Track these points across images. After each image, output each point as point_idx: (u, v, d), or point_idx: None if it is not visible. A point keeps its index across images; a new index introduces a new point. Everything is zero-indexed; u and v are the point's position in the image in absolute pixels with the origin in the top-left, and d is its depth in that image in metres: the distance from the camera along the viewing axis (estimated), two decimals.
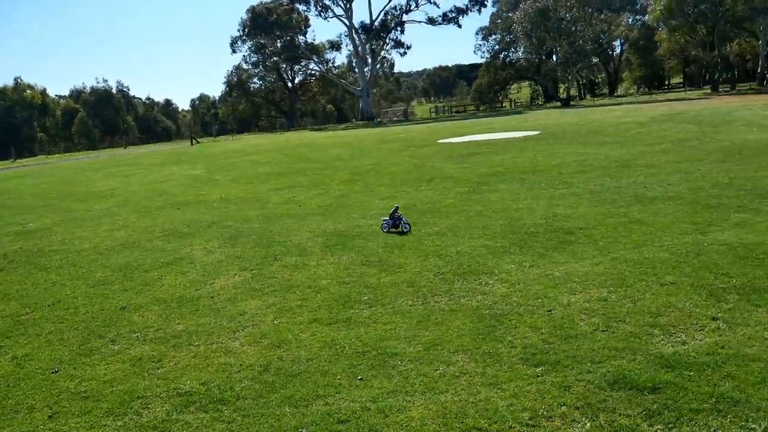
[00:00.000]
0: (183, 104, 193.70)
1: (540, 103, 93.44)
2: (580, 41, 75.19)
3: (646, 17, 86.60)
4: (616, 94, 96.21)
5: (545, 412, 5.34)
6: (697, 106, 41.56)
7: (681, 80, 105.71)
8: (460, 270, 9.40)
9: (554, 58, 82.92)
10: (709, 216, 11.44)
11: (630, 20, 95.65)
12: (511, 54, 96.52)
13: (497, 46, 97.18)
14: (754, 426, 4.88)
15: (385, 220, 12.45)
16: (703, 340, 6.38)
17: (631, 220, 11.60)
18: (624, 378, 5.73)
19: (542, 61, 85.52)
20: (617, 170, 17.51)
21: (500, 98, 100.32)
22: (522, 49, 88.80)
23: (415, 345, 6.86)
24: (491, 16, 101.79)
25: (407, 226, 12.18)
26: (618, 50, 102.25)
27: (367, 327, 7.49)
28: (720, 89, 68.05)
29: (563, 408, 5.38)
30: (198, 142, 66.41)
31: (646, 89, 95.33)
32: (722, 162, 17.35)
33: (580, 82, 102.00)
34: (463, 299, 8.14)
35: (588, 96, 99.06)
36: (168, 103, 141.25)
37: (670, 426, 4.99)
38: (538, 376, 5.94)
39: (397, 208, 12.41)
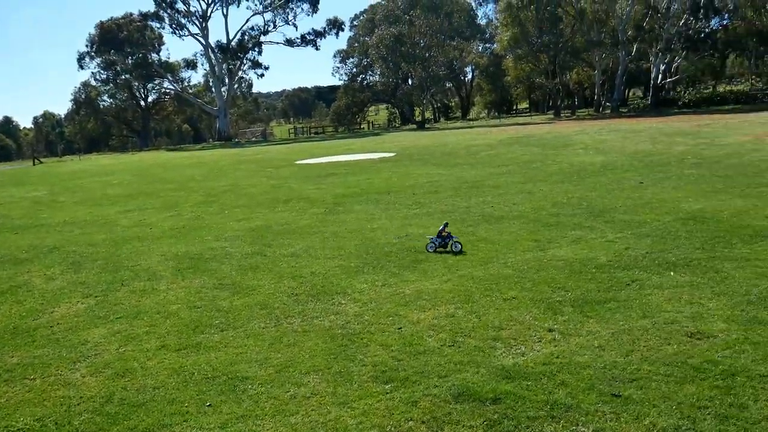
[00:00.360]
0: (25, 122, 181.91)
1: (397, 125, 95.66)
2: (434, 67, 77.89)
3: (495, 46, 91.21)
4: (468, 117, 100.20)
5: (393, 428, 5.46)
6: (542, 130, 44.13)
7: (527, 105, 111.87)
8: (314, 291, 9.44)
9: (410, 82, 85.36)
10: (549, 234, 12.17)
11: (480, 48, 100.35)
12: (368, 77, 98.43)
13: (355, 69, 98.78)
14: (583, 429, 5.23)
15: (432, 239, 11.41)
16: (540, 351, 6.77)
17: (479, 239, 12.13)
18: (468, 390, 5.98)
19: (398, 84, 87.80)
20: (467, 191, 18.26)
21: (358, 120, 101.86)
22: (379, 73, 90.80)
23: (267, 368, 6.81)
24: (348, 39, 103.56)
25: (457, 245, 11.15)
26: (470, 76, 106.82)
27: (218, 351, 7.35)
28: (562, 115, 72.58)
29: (410, 423, 5.53)
30: (41, 162, 62.51)
31: (496, 113, 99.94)
32: (562, 183, 18.53)
33: (435, 106, 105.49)
34: (316, 320, 8.18)
35: (442, 119, 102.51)
36: (7, 120, 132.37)
37: None
38: (387, 393, 6.07)
39: (446, 225, 11.47)
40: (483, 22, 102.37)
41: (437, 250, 11.24)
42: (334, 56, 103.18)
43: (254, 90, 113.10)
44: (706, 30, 67.17)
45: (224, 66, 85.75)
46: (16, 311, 9.58)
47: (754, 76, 71.09)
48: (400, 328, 7.69)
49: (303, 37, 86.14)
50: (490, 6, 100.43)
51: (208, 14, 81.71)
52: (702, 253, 10.13)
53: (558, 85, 75.97)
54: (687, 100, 63.60)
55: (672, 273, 9.16)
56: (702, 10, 62.47)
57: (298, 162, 33.96)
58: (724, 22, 69.11)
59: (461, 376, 6.28)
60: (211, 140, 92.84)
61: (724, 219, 12.38)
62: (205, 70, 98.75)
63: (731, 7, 65.75)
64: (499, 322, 7.64)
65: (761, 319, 7.19)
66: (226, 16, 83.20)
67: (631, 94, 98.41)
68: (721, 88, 75.89)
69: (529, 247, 11.19)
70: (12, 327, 8.85)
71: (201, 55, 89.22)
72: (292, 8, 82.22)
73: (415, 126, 78.23)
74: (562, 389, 5.89)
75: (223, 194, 21.70)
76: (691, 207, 13.75)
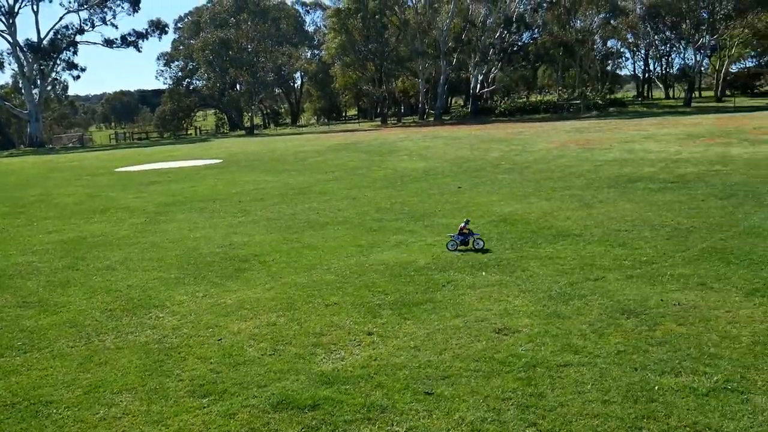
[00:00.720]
0: None
1: (225, 131, 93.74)
2: (262, 72, 77.21)
3: (323, 53, 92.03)
4: (298, 123, 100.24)
5: None
6: (369, 136, 45.11)
7: (356, 112, 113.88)
8: (130, 305, 9.04)
9: (238, 87, 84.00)
10: (372, 238, 12.46)
11: (309, 54, 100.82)
12: (194, 81, 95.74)
13: (180, 73, 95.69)
14: (398, 429, 5.40)
15: (453, 236, 11.15)
16: (359, 355, 6.91)
17: (304, 246, 12.17)
18: (287, 399, 5.98)
19: (225, 89, 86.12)
20: (294, 197, 18.28)
21: (185, 126, 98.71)
22: (205, 77, 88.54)
23: (74, 390, 6.42)
24: (173, 42, 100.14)
25: (479, 242, 11.04)
26: (299, 82, 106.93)
27: (19, 375, 6.83)
28: (388, 122, 74.55)
29: None
30: None
31: (326, 120, 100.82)
32: (386, 188, 19.05)
33: (265, 112, 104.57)
34: (131, 335, 7.83)
35: (272, 125, 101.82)
36: None
37: None
38: (204, 408, 5.93)
39: (467, 222, 11.25)
40: (311, 29, 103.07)
41: (458, 248, 11.05)
42: (158, 59, 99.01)
43: (70, 93, 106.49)
44: (519, 43, 71.92)
45: (35, 66, 79.81)
46: None
47: (561, 88, 76.85)
48: (220, 339, 7.55)
49: (123, 37, 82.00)
50: (318, 13, 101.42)
51: (16, 10, 75.72)
52: (511, 253, 10.80)
53: (384, 93, 77.96)
54: (503, 109, 67.64)
55: (484, 273, 9.69)
56: (514, 25, 66.73)
57: (118, 170, 32.34)
58: (535, 36, 74.32)
59: (281, 385, 6.27)
60: (22, 146, 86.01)
61: (532, 221, 13.29)
62: (13, 70, 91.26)
63: (540, 23, 70.86)
64: (320, 329, 7.71)
65: (560, 313, 7.79)
66: (36, 13, 77.89)
67: (453, 102, 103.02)
68: (533, 98, 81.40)
69: (352, 253, 11.39)
70: None
71: (8, 54, 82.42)
72: (111, 7, 78.00)
73: (244, 132, 77.11)
74: (378, 391, 6.05)
75: (33, 205, 20.19)
76: (503, 210, 14.63)
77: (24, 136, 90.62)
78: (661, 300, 8.06)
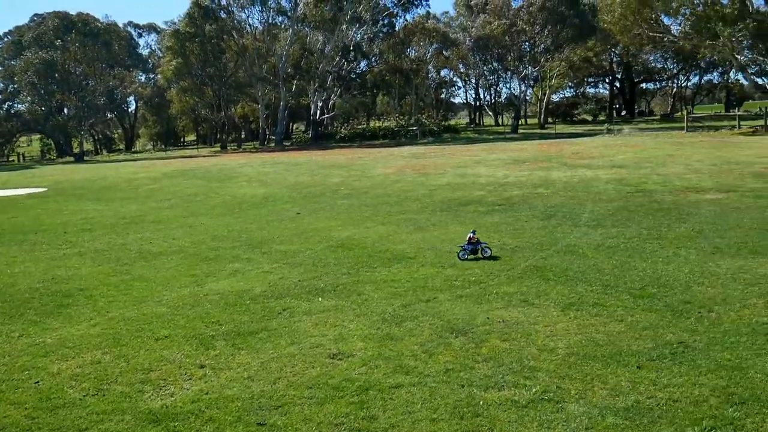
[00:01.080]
0: None
1: (52, 157, 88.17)
2: (92, 96, 73.57)
3: (158, 77, 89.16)
4: (133, 149, 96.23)
5: None
6: (208, 162, 44.10)
7: (195, 138, 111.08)
8: None
9: (66, 111, 79.38)
10: (208, 267, 12.16)
11: (143, 78, 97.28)
12: (16, 105, 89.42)
13: (0, 96, 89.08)
14: None
15: (463, 246, 11.80)
16: (190, 389, 6.69)
17: (134, 277, 11.66)
18: None
19: (51, 113, 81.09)
20: (125, 227, 17.48)
21: (6, 152, 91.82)
22: (28, 101, 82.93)
23: None
24: None
25: (487, 250, 11.78)
26: (133, 107, 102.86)
27: None
28: (228, 148, 73.34)
29: None
30: None
31: (163, 146, 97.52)
32: (224, 216, 18.69)
33: (96, 137, 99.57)
34: None
35: (104, 151, 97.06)
36: None
37: None
38: None
39: (474, 232, 11.94)
40: (145, 52, 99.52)
41: (468, 257, 11.66)
42: None
43: None
44: (357, 71, 73.50)
45: None
46: None
47: (399, 115, 79.26)
48: (38, 381, 7.04)
49: None
50: (152, 36, 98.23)
51: None
52: (348, 277, 10.93)
53: (223, 119, 76.74)
54: (344, 135, 68.56)
55: (320, 299, 9.73)
56: (352, 53, 68.12)
57: None
58: (372, 65, 76.26)
59: (103, 427, 5.94)
60: None
61: (368, 245, 13.54)
62: None
63: (377, 51, 72.85)
64: (149, 364, 7.40)
65: (393, 335, 7.96)
66: None
67: (294, 128, 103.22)
68: (372, 124, 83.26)
69: (186, 283, 11.05)
70: None
71: None
72: None
73: (72, 159, 72.86)
74: (209, 425, 5.88)
75: None
76: (341, 235, 14.80)
77: None
78: (488, 318, 8.45)
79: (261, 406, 6.20)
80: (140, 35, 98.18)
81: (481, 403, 6.07)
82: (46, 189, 31.27)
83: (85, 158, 72.77)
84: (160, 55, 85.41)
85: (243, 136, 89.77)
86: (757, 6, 43.29)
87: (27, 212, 22.13)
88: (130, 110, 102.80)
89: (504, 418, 5.76)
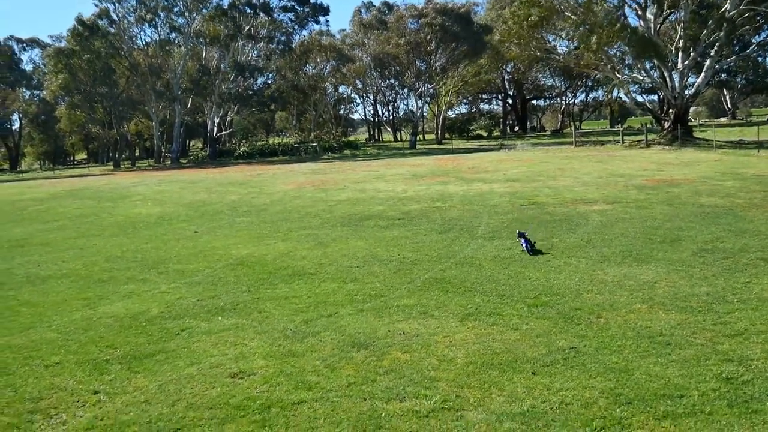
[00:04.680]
0: None
1: None
2: None
3: (44, 93, 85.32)
4: (18, 169, 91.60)
5: None
6: (100, 182, 42.52)
7: (86, 156, 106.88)
8: None
9: None
10: (101, 290, 11.73)
11: (28, 95, 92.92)
12: None
13: None
14: None
15: (522, 243, 13.11)
16: (83, 416, 6.44)
17: (21, 303, 11.11)
18: None
19: None
20: (9, 250, 16.62)
21: None
22: None
23: None
24: None
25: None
26: (17, 125, 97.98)
27: None
28: (122, 166, 70.99)
29: None
30: None
31: (51, 165, 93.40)
32: (117, 236, 18.07)
33: None
34: None
35: None
36: None
37: None
38: None
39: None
40: (29, 67, 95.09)
41: (529, 248, 12.88)
42: None
43: None
44: (254, 88, 72.88)
45: None
46: None
47: (298, 131, 79.06)
48: None
49: None
50: (36, 51, 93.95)
51: None
52: (248, 295, 10.80)
53: (116, 136, 74.28)
54: (242, 152, 67.70)
55: (220, 318, 9.58)
56: (247, 71, 67.54)
57: None
58: (269, 82, 75.87)
59: None
60: None
61: (269, 262, 13.43)
62: None
63: (274, 68, 72.55)
64: (39, 392, 7.07)
65: (295, 352, 7.93)
66: None
67: (191, 145, 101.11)
68: (272, 140, 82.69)
69: (77, 307, 10.62)
70: None
71: None
72: None
73: None
74: None
75: None
76: (240, 252, 14.61)
77: None
78: (389, 330, 8.56)
79: (159, 430, 6.05)
80: (23, 50, 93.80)
81: (383, 415, 6.14)
82: None
83: None
84: (45, 71, 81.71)
85: (137, 154, 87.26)
86: (635, 26, 45.89)
87: None
88: (13, 128, 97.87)
89: (405, 429, 5.85)
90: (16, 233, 20.00)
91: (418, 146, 70.48)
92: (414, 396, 6.50)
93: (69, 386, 7.22)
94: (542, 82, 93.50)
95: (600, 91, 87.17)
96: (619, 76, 50.79)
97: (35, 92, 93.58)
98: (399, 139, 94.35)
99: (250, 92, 71.18)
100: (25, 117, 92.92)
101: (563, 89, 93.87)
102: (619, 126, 71.91)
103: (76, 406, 6.70)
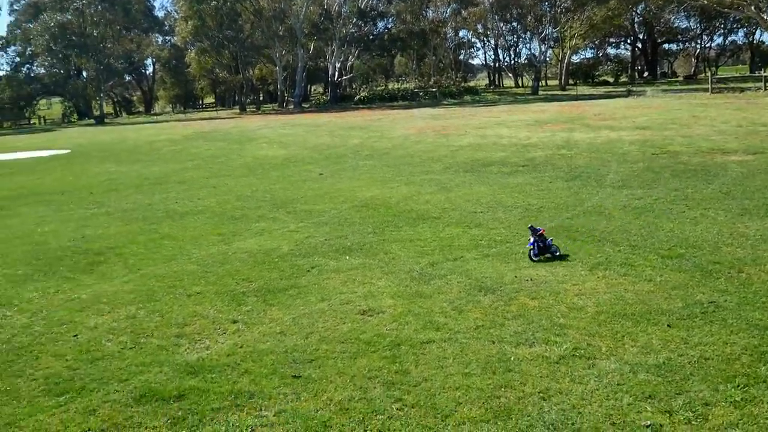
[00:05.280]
0: None
1: (73, 120, 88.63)
2: (110, 59, 73.63)
3: (175, 38, 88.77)
4: (152, 112, 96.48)
5: None
6: (227, 125, 44.18)
7: (214, 100, 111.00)
8: None
9: (84, 74, 79.58)
10: (234, 227, 12.27)
11: (160, 40, 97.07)
12: (35, 68, 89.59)
13: (18, 59, 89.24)
14: (266, 413, 5.39)
15: (531, 240, 9.15)
16: (224, 343, 6.82)
17: (162, 236, 11.81)
18: (150, 391, 5.81)
19: (70, 77, 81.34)
20: (150, 187, 17.64)
21: (27, 115, 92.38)
22: (46, 64, 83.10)
23: None
24: (9, 25, 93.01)
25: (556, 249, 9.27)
26: (151, 69, 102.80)
27: None
28: (247, 110, 73.30)
29: None
30: None
31: (182, 108, 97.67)
32: (246, 176, 18.78)
33: (115, 100, 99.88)
34: None
35: (124, 114, 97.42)
36: None
37: (193, 429, 5.22)
38: (61, 406, 5.65)
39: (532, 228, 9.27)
40: (161, 14, 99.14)
41: (540, 258, 9.18)
42: None
43: None
44: (375, 32, 72.83)
45: None
46: None
47: (417, 76, 78.65)
48: (76, 335, 7.21)
49: None
50: None
51: None
52: (374, 236, 10.99)
53: (242, 80, 76.56)
54: (362, 97, 68.23)
55: (347, 257, 9.81)
56: (369, 14, 67.46)
57: None
58: (389, 26, 75.54)
59: (143, 378, 6.08)
60: None
61: (393, 204, 13.58)
62: None
63: (394, 12, 72.09)
64: (183, 319, 7.54)
65: (422, 293, 8.03)
66: None
67: (312, 90, 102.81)
68: (391, 86, 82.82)
69: (213, 241, 11.17)
70: None
71: None
72: None
73: (93, 121, 73.21)
74: (245, 377, 6.00)
75: None
76: (365, 195, 14.84)
77: None
78: (515, 276, 8.50)
79: (295, 360, 6.32)
80: None
81: (512, 358, 6.14)
82: (69, 151, 31.53)
83: (105, 121, 73.10)
84: (176, 17, 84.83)
85: (261, 99, 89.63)
86: None
87: (52, 173, 22.36)
88: (148, 73, 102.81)
89: (536, 373, 5.83)
90: (154, 171, 21.17)
91: (540, 92, 68.59)
92: (544, 342, 6.45)
93: (210, 314, 7.65)
94: (675, 25, 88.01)
95: (740, 33, 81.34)
96: (764, 16, 47.01)
97: (167, 38, 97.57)
98: (520, 84, 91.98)
99: (371, 37, 71.22)
100: (158, 62, 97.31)
101: (698, 32, 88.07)
102: (762, 71, 66.86)
103: (217, 333, 7.10)
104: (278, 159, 22.70)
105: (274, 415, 5.35)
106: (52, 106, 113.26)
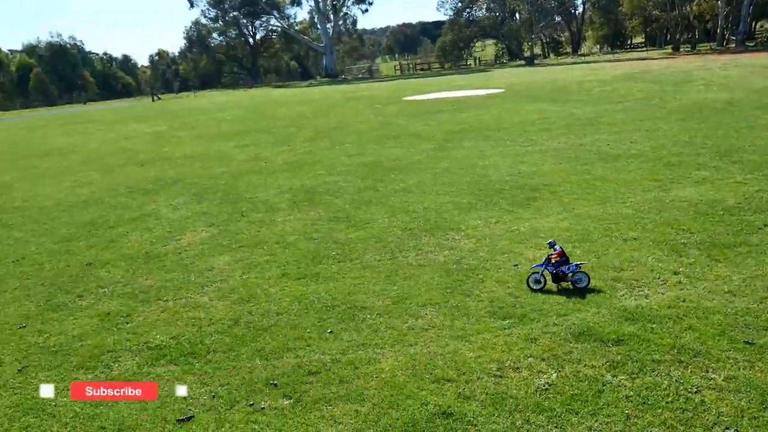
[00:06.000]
0: (142, 60, 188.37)
1: (504, 61, 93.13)
2: (542, 0, 74.93)
3: None
4: (579, 53, 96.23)
5: (512, 363, 5.46)
6: (659, 65, 41.90)
7: (643, 40, 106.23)
8: (428, 226, 9.47)
9: (517, 16, 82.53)
10: (671, 173, 11.63)
11: None
12: (474, 12, 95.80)
13: (460, 4, 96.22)
14: (714, 376, 5.05)
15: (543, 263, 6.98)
16: (665, 294, 6.55)
17: (595, 177, 11.75)
18: (589, 330, 5.88)
19: (505, 19, 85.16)
20: (581, 128, 17.66)
21: (465, 56, 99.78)
22: (485, 7, 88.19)
23: (384, 299, 6.93)
24: None
25: (584, 279, 6.83)
26: (580, 9, 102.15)
27: (336, 281, 7.54)
28: (681, 49, 68.51)
29: (530, 359, 5.51)
30: (160, 99, 65.22)
31: (609, 48, 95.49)
32: (683, 121, 17.59)
33: (544, 41, 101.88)
34: (431, 254, 8.22)
35: (552, 55, 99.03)
36: (126, 59, 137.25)
37: (633, 376, 5.15)
38: (505, 329, 6.06)
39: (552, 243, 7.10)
40: None
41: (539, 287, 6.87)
42: None
43: (359, 26, 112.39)
44: None
45: (328, 2, 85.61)
46: (147, 238, 10.18)
47: None
48: (516, 265, 7.62)
49: None
50: None
51: None
52: None
53: (677, 18, 71.60)
54: None
55: None
56: None
57: (405, 99, 33.80)
58: None
59: (581, 316, 6.18)
60: (318, 77, 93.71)
61: None
62: (310, 6, 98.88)
63: None
64: (620, 263, 7.43)
65: None
66: None
67: (758, 26, 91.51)
68: None
69: (649, 187, 10.75)
70: (144, 252, 9.41)
71: None
72: None
73: (523, 62, 76.00)
74: (689, 334, 5.70)
75: (333, 130, 21.93)
76: None
77: (320, 68, 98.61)
78: None
79: (747, 325, 5.78)
80: None
81: None
82: (503, 90, 33.23)
83: (535, 61, 75.20)
84: None
85: (696, 37, 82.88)
86: None
87: (489, 111, 23.82)
88: (576, 13, 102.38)
89: None
90: (585, 112, 21.10)
91: None
92: None
93: (648, 263, 7.40)
94: None
95: None
96: None
97: None
98: None
99: None
100: (588, 1, 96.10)
101: None
102: None
103: (656, 283, 6.84)
104: (719, 103, 20.77)
105: (723, 380, 4.99)
106: (486, 48, 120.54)
